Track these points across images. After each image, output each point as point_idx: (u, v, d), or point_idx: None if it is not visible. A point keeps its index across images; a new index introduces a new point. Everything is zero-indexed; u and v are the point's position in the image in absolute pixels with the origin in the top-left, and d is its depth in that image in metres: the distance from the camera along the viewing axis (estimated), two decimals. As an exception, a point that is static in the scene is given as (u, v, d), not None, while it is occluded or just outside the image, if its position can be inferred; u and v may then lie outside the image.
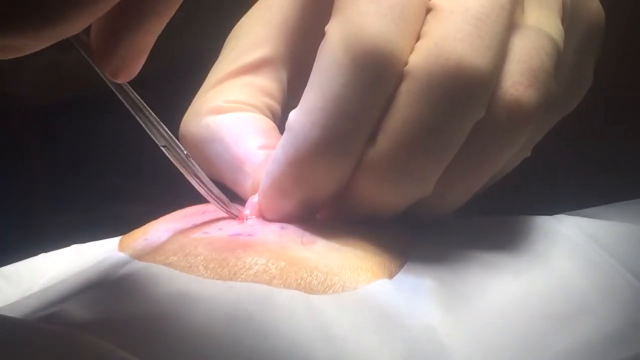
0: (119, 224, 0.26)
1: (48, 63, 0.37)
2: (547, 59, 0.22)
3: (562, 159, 0.34)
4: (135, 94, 0.22)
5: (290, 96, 0.28)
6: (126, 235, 0.25)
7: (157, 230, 0.24)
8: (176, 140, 0.23)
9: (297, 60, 0.27)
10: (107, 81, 0.21)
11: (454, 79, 0.21)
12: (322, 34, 0.22)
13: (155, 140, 0.23)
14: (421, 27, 0.22)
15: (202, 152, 0.26)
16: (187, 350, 0.18)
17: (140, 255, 0.23)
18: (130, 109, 0.22)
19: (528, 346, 0.20)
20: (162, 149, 0.23)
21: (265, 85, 0.27)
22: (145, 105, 0.22)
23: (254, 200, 0.25)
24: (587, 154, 0.35)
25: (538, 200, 0.29)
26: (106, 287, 0.21)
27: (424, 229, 0.26)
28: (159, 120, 0.23)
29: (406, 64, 0.21)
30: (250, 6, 0.28)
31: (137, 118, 0.22)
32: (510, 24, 0.22)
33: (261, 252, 0.22)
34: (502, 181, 0.26)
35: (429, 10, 0.22)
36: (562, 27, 0.23)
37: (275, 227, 0.24)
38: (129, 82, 0.21)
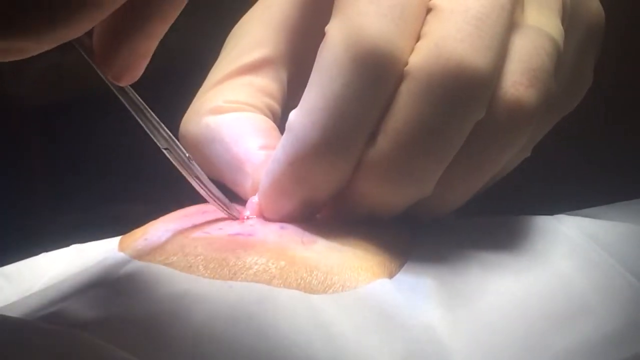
0: (119, 224, 0.26)
1: (49, 63, 0.37)
2: (548, 59, 0.22)
3: (563, 159, 0.34)
4: (136, 95, 0.22)
5: (291, 96, 0.28)
6: (126, 235, 0.25)
7: (157, 230, 0.24)
8: (177, 143, 0.23)
9: (297, 60, 0.27)
10: (108, 83, 0.21)
11: (455, 79, 0.21)
12: (322, 34, 0.22)
13: (157, 143, 0.23)
14: (421, 27, 0.22)
15: (202, 152, 0.26)
16: (187, 350, 0.18)
17: (140, 255, 0.23)
18: (131, 110, 0.22)
19: (528, 346, 0.20)
20: (164, 151, 0.23)
21: (266, 85, 0.27)
22: (146, 107, 0.22)
23: (254, 200, 0.25)
24: (588, 154, 0.35)
25: (538, 200, 0.29)
26: (106, 287, 0.21)
27: (424, 229, 0.26)
28: (160, 122, 0.23)
29: (406, 64, 0.21)
30: (250, 6, 0.28)
31: (139, 120, 0.22)
32: (511, 24, 0.22)
33: (261, 251, 0.22)
34: (503, 181, 0.26)
35: (429, 10, 0.22)
36: (562, 27, 0.23)
37: (275, 226, 0.24)
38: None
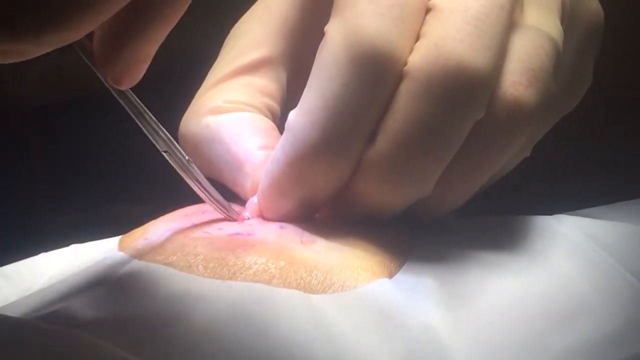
0: (118, 224, 0.26)
1: (49, 64, 0.37)
2: (547, 59, 0.22)
3: (562, 159, 0.34)
4: (136, 98, 0.22)
5: (290, 96, 0.28)
6: (126, 234, 0.25)
7: (157, 230, 0.24)
8: (177, 145, 0.23)
9: (296, 60, 0.27)
10: (108, 86, 0.21)
11: (454, 79, 0.21)
12: (322, 34, 0.22)
13: (157, 146, 0.23)
14: (421, 27, 0.22)
15: (202, 152, 0.26)
16: (186, 350, 0.18)
17: (140, 255, 0.23)
18: (131, 113, 0.22)
19: (528, 346, 0.20)
20: (163, 154, 0.23)
21: (265, 86, 0.27)
22: (146, 109, 0.22)
23: (253, 201, 0.25)
24: (587, 153, 0.35)
25: (538, 200, 0.29)
26: (106, 286, 0.21)
27: (423, 228, 0.26)
28: (160, 125, 0.23)
29: (406, 64, 0.21)
30: (249, 6, 0.28)
31: (138, 123, 0.22)
32: (510, 24, 0.22)
33: (261, 251, 0.22)
34: (502, 181, 0.26)
35: (428, 10, 0.22)
36: (561, 27, 0.23)
37: (274, 226, 0.24)
38: None
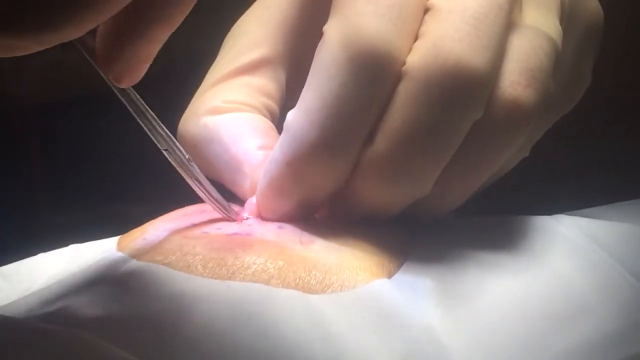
0: (118, 224, 0.26)
1: (49, 61, 0.37)
2: (546, 59, 0.22)
3: (562, 159, 0.34)
4: (137, 96, 0.22)
5: (289, 96, 0.28)
6: (125, 234, 0.25)
7: (156, 230, 0.24)
8: (178, 144, 0.23)
9: (295, 60, 0.27)
10: (109, 83, 0.21)
11: (452, 79, 0.21)
12: (321, 34, 0.22)
13: (157, 144, 0.23)
14: (419, 27, 0.22)
15: (201, 152, 0.26)
16: (186, 350, 0.18)
17: (138, 255, 0.23)
18: (132, 111, 0.22)
19: (528, 346, 0.20)
20: (164, 152, 0.23)
21: (264, 86, 0.27)
22: (147, 108, 0.22)
23: (252, 201, 0.25)
24: (587, 153, 0.35)
25: (537, 200, 0.29)
26: (105, 286, 0.21)
27: (423, 229, 0.26)
28: (161, 123, 0.23)
29: (404, 64, 0.21)
30: (249, 6, 0.28)
31: (139, 121, 0.22)
32: (509, 24, 0.22)
33: (259, 251, 0.22)
34: (501, 181, 0.26)
35: (427, 10, 0.22)
36: (560, 27, 0.23)
37: (273, 226, 0.24)
38: None
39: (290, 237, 0.23)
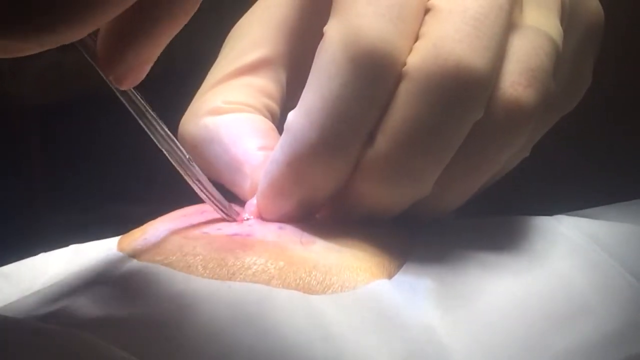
0: (119, 224, 0.26)
1: (49, 62, 0.37)
2: (546, 59, 0.22)
3: (562, 159, 0.34)
4: (138, 97, 0.22)
5: (289, 97, 0.28)
6: (125, 235, 0.25)
7: (156, 230, 0.24)
8: (178, 144, 0.23)
9: (296, 60, 0.27)
10: (110, 85, 0.21)
11: (453, 80, 0.21)
12: (321, 35, 0.22)
13: (158, 145, 0.23)
14: (420, 27, 0.22)
15: (201, 153, 0.26)
16: (186, 350, 0.18)
17: (139, 255, 0.23)
18: (132, 111, 0.22)
19: (528, 346, 0.20)
20: (165, 152, 0.23)
21: (264, 86, 0.27)
22: (148, 108, 0.22)
23: (253, 202, 0.25)
24: (587, 153, 0.35)
25: (538, 200, 0.29)
26: (105, 286, 0.21)
27: (423, 229, 0.26)
28: (161, 123, 0.23)
29: (405, 64, 0.21)
30: (250, 6, 0.28)
31: (139, 121, 0.22)
32: (509, 24, 0.22)
33: (260, 252, 0.22)
34: (502, 181, 0.26)
35: (427, 10, 0.22)
36: (561, 27, 0.23)
37: (273, 227, 0.24)
38: None
39: (290, 237, 0.23)
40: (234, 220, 0.25)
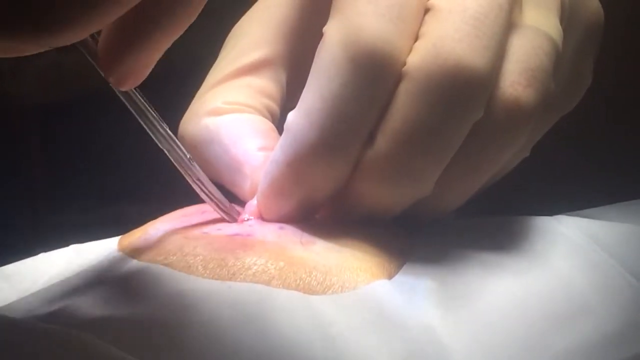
0: (119, 224, 0.26)
1: (49, 62, 0.37)
2: (546, 59, 0.22)
3: (562, 159, 0.34)
4: (139, 96, 0.22)
5: (289, 97, 0.28)
6: (125, 235, 0.25)
7: (157, 230, 0.24)
8: (179, 144, 0.23)
9: (296, 60, 0.27)
10: (111, 85, 0.21)
11: (453, 79, 0.21)
12: (321, 35, 0.22)
13: (159, 144, 0.23)
14: (419, 27, 0.22)
15: (201, 153, 0.26)
16: (186, 351, 0.18)
17: (139, 255, 0.23)
18: (132, 111, 0.22)
19: (528, 346, 0.20)
20: (166, 152, 0.23)
21: (264, 86, 0.27)
22: (148, 107, 0.22)
23: (253, 203, 0.25)
24: (587, 154, 0.35)
25: (538, 200, 0.29)
26: (105, 286, 0.21)
27: (423, 229, 0.26)
28: (162, 123, 0.23)
29: (404, 64, 0.21)
30: (250, 7, 0.28)
31: (141, 121, 0.22)
32: (509, 24, 0.22)
33: (260, 252, 0.22)
34: (502, 181, 0.26)
35: (427, 10, 0.22)
36: (560, 27, 0.23)
37: (273, 227, 0.24)
38: None
39: (291, 237, 0.23)
40: (234, 221, 0.25)
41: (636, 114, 0.35)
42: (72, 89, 0.38)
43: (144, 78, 0.21)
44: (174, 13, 0.19)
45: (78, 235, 0.26)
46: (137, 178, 0.36)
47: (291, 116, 0.22)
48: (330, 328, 0.19)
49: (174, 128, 0.26)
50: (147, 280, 0.21)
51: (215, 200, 0.24)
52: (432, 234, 0.26)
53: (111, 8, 0.17)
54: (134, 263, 0.22)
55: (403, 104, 0.21)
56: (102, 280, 0.22)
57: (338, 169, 0.22)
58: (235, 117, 0.26)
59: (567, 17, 0.24)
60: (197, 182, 0.24)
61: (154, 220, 0.26)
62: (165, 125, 0.23)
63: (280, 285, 0.21)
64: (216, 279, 0.21)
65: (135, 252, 0.23)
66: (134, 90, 0.22)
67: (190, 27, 0.20)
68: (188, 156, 0.24)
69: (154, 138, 0.23)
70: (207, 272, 0.21)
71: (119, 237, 0.25)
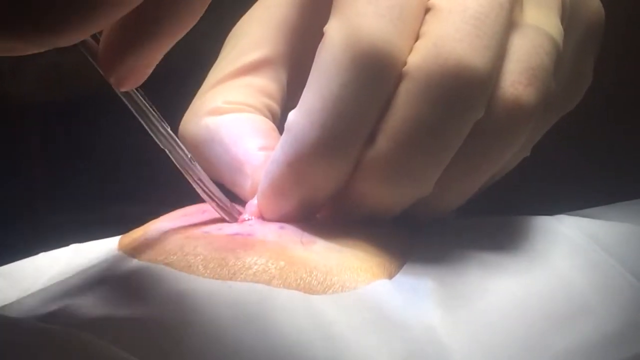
0: (119, 224, 0.26)
1: (49, 62, 0.37)
2: (547, 58, 0.22)
3: (563, 159, 0.34)
4: (140, 97, 0.22)
5: (290, 97, 0.28)
6: (126, 234, 0.25)
7: (157, 230, 0.24)
8: (180, 144, 0.23)
9: (296, 60, 0.27)
10: (112, 85, 0.21)
11: (453, 79, 0.21)
12: (321, 34, 0.22)
13: (159, 144, 0.23)
14: (420, 27, 0.22)
15: (201, 153, 0.26)
16: (186, 350, 0.18)
17: (139, 255, 0.23)
18: (133, 110, 0.22)
19: (528, 346, 0.20)
20: (167, 152, 0.23)
21: (265, 86, 0.27)
22: (149, 107, 0.22)
23: (253, 203, 0.25)
24: (588, 153, 0.35)
25: (538, 200, 0.29)
26: (106, 286, 0.21)
27: (423, 229, 0.26)
28: (162, 122, 0.23)
29: (405, 64, 0.21)
30: (250, 6, 0.28)
31: (142, 121, 0.22)
32: (510, 23, 0.22)
33: (261, 251, 0.22)
34: (502, 181, 0.26)
35: (427, 10, 0.22)
36: (561, 26, 0.23)
37: (274, 226, 0.24)
38: None
39: (291, 237, 0.23)
40: (235, 220, 0.25)
41: (637, 114, 0.35)
42: (72, 88, 0.38)
43: (144, 79, 0.21)
44: (176, 14, 0.19)
45: (78, 235, 0.26)
46: (137, 178, 0.36)
47: (292, 116, 0.22)
48: (331, 328, 0.19)
49: (175, 128, 0.26)
50: (147, 279, 0.21)
51: (216, 200, 0.24)
52: (433, 234, 0.26)
53: (112, 9, 0.16)
54: (135, 262, 0.22)
55: (403, 104, 0.21)
56: (102, 279, 0.22)
57: (338, 169, 0.22)
58: (235, 116, 0.26)
59: (568, 16, 0.24)
60: (198, 181, 0.24)
61: (154, 220, 0.26)
62: (166, 125, 0.23)
63: (281, 285, 0.21)
64: (217, 279, 0.21)
65: (135, 251, 0.23)
66: (135, 90, 0.22)
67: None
68: (189, 156, 0.24)
69: (154, 138, 0.23)
70: (208, 271, 0.21)
71: (120, 236, 0.25)
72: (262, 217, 0.24)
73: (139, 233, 0.25)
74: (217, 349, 0.18)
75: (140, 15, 0.18)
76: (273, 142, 0.25)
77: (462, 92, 0.21)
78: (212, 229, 0.24)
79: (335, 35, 0.21)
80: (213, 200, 0.24)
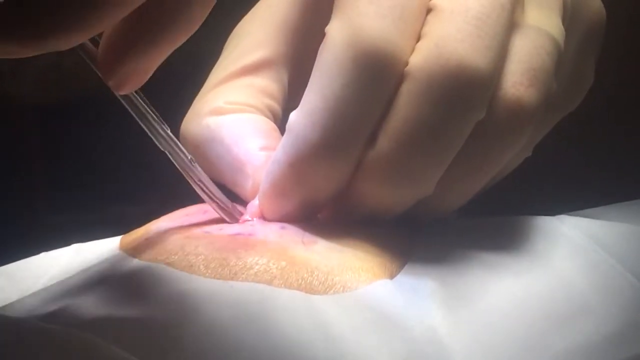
0: (119, 224, 0.26)
1: (49, 63, 0.37)
2: (548, 59, 0.22)
3: (563, 159, 0.34)
4: (139, 98, 0.22)
5: (291, 97, 0.28)
6: (127, 234, 0.25)
7: (158, 230, 0.24)
8: (180, 145, 0.23)
9: (297, 60, 0.27)
10: (111, 88, 0.21)
11: (455, 80, 0.21)
12: (323, 35, 0.22)
13: (159, 146, 0.23)
14: (421, 27, 0.22)
15: (203, 153, 0.26)
16: (187, 350, 0.18)
17: (140, 255, 0.23)
18: (132, 113, 0.22)
19: (528, 346, 0.20)
20: (167, 153, 0.23)
21: (266, 86, 0.27)
22: (148, 109, 0.22)
23: (254, 203, 0.25)
24: (588, 154, 0.35)
25: (538, 200, 0.29)
26: (107, 286, 0.21)
27: (424, 229, 0.26)
28: (163, 125, 0.23)
29: (407, 64, 0.21)
30: (251, 7, 0.28)
31: (141, 123, 0.22)
32: (511, 24, 0.22)
33: (262, 251, 0.22)
34: (503, 181, 0.26)
35: (429, 10, 0.22)
36: (562, 27, 0.23)
37: (275, 226, 0.24)
38: None
39: (292, 237, 0.23)
40: (236, 221, 0.25)
41: (637, 114, 0.35)
42: (72, 89, 0.37)
43: (143, 82, 0.21)
44: (177, 19, 0.19)
45: (79, 235, 0.26)
46: (138, 178, 0.36)
47: (293, 116, 0.22)
48: (332, 328, 0.19)
49: (175, 129, 0.26)
50: (148, 279, 0.21)
51: (217, 201, 0.24)
52: (434, 234, 0.26)
53: (112, 11, 0.16)
54: (136, 262, 0.22)
55: (405, 104, 0.21)
56: (103, 279, 0.22)
57: (340, 169, 0.22)
58: (237, 117, 0.26)
59: (569, 17, 0.24)
60: (199, 183, 0.24)
61: (155, 220, 0.26)
62: (166, 127, 0.23)
63: (282, 285, 0.21)
64: (218, 279, 0.21)
65: (136, 251, 0.23)
66: (134, 93, 0.22)
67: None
68: (189, 157, 0.24)
69: (154, 140, 0.23)
70: (209, 271, 0.21)
71: (121, 236, 0.25)
72: (263, 217, 0.24)
73: (140, 233, 0.25)
74: (218, 349, 0.18)
75: (140, 19, 0.18)
76: (274, 143, 0.25)
77: (464, 93, 0.21)
78: (213, 229, 0.24)
79: (337, 35, 0.21)
80: (214, 201, 0.24)
